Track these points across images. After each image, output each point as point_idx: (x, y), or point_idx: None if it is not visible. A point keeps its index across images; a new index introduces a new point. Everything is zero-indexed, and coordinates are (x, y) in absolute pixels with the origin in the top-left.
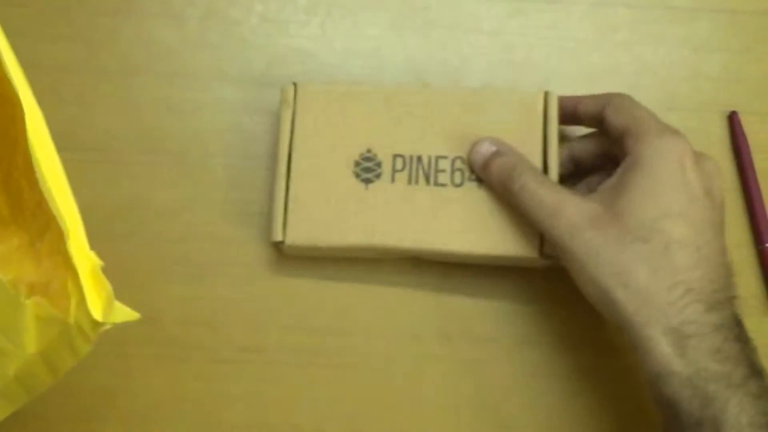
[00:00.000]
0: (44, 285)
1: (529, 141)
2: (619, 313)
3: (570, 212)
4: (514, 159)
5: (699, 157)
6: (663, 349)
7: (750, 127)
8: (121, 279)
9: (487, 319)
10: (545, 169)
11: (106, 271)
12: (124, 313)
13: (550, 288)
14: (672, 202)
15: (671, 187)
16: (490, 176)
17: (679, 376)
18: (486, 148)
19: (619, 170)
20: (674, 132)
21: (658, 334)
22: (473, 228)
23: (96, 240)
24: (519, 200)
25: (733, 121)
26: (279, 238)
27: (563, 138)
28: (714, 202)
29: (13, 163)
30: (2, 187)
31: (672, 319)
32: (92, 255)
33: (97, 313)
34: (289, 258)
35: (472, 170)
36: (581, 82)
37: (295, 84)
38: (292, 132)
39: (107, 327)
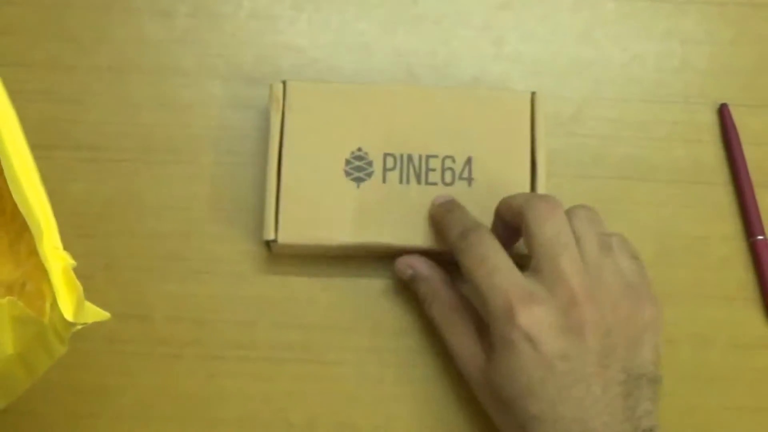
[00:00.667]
0: (21, 285)
1: (517, 140)
2: None
3: (465, 362)
4: (430, 287)
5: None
6: None
7: (740, 119)
8: (112, 276)
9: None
10: (533, 168)
11: (102, 268)
12: (95, 313)
13: None
14: (521, 381)
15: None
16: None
17: None
18: (403, 268)
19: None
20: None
21: None
22: None
23: (87, 237)
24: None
25: (723, 113)
26: (270, 237)
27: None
28: (564, 367)
29: None
30: None
31: None
32: (65, 255)
33: (68, 314)
34: (280, 255)
35: (462, 169)
36: (570, 76)
37: (284, 82)
38: (282, 131)
39: (78, 327)
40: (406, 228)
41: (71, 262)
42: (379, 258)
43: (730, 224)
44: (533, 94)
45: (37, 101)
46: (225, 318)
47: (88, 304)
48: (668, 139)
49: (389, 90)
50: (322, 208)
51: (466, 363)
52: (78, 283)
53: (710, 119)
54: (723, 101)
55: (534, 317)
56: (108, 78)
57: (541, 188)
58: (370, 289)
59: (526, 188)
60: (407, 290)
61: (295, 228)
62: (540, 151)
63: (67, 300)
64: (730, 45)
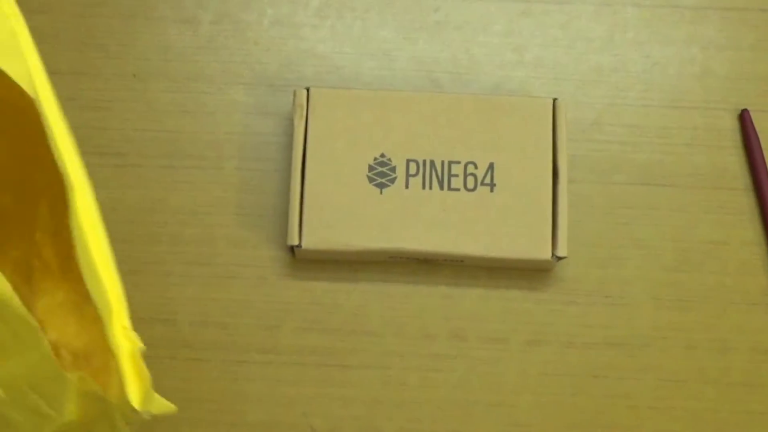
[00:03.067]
0: (87, 355)
1: (539, 147)
2: None
3: None
4: None
5: None
6: None
7: (761, 125)
8: (137, 281)
9: (499, 319)
10: (555, 174)
11: (128, 273)
12: (162, 405)
13: (560, 287)
14: None
15: None
16: None
17: None
18: None
19: None
20: None
21: None
22: (486, 231)
23: (112, 243)
24: None
25: (744, 118)
26: (295, 242)
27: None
28: None
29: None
30: (52, 238)
31: None
32: (134, 337)
33: (135, 401)
34: (303, 260)
35: (484, 175)
36: (591, 82)
37: (307, 89)
38: (305, 137)
39: (144, 417)
40: (429, 233)
41: (141, 346)
42: (403, 263)
43: (751, 230)
44: (555, 100)
45: (62, 108)
46: (249, 322)
47: (155, 395)
48: (689, 144)
49: (412, 97)
50: (346, 214)
51: None
52: (146, 370)
53: (731, 125)
54: (744, 107)
55: None
56: (133, 85)
57: (562, 193)
58: (394, 294)
59: (548, 193)
60: (431, 295)
61: (319, 233)
62: (562, 157)
63: (135, 386)
64: (751, 50)
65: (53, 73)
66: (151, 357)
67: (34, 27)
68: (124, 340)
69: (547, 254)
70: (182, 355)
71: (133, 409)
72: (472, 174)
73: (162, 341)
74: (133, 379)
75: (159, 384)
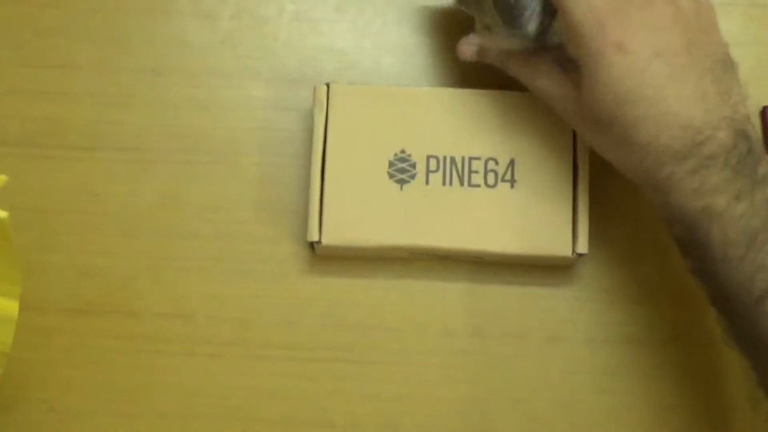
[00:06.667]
0: None
1: (559, 142)
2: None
3: (558, 97)
4: (501, 50)
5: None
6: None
7: None
8: (156, 276)
9: (518, 315)
10: (575, 170)
11: (146, 268)
12: None
13: (580, 284)
14: (620, 89)
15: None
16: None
17: (678, 221)
18: (465, 48)
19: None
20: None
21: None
22: (506, 228)
23: (131, 238)
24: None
25: (765, 115)
26: (315, 238)
27: None
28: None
29: None
30: None
31: (653, 182)
32: None
33: None
34: (323, 256)
35: (505, 171)
36: None
37: (327, 84)
38: (325, 133)
39: None
40: (449, 229)
41: None
42: (422, 259)
43: None
44: None
45: (81, 103)
46: (267, 318)
47: None
48: None
49: (432, 92)
50: (366, 210)
51: (559, 98)
52: None
53: (753, 121)
54: (765, 104)
55: (621, 26)
56: (152, 80)
57: (583, 190)
58: (414, 290)
59: (569, 190)
60: (451, 292)
61: (339, 229)
62: (582, 154)
63: None
64: None
65: (72, 67)
66: (169, 352)
67: (53, 22)
68: None
69: (567, 251)
70: (200, 350)
71: None
72: (492, 170)
73: (180, 337)
74: None
75: (177, 379)
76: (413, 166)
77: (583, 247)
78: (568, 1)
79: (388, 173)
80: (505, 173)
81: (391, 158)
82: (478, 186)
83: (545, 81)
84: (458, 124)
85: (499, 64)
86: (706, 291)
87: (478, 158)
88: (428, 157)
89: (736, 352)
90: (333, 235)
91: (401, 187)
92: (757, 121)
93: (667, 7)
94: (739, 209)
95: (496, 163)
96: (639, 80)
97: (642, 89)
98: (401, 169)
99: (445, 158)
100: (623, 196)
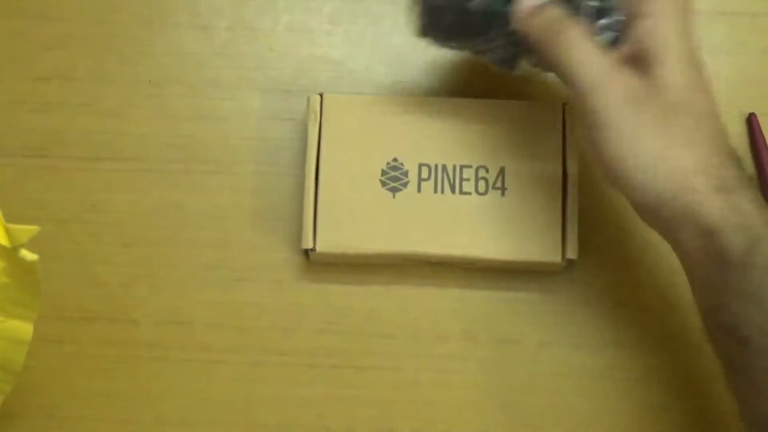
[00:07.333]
0: None
1: (549, 151)
2: (657, 187)
3: (615, 88)
4: (562, 12)
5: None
6: (713, 204)
7: None
8: (154, 284)
9: (510, 321)
10: (565, 178)
11: (145, 276)
12: (27, 231)
13: (570, 289)
14: (692, 75)
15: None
16: (532, 28)
17: (732, 225)
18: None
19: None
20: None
21: (706, 193)
22: (497, 235)
23: (130, 246)
24: (560, 59)
25: (751, 122)
26: (309, 245)
27: None
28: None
29: None
30: None
31: (713, 179)
32: None
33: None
34: (318, 263)
35: (495, 179)
36: None
37: (321, 94)
38: (319, 142)
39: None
40: (441, 236)
41: None
42: (415, 266)
43: None
44: (564, 105)
45: (81, 113)
46: (264, 325)
47: (13, 225)
48: None
49: (423, 102)
50: (360, 217)
51: (615, 91)
52: None
53: (739, 129)
54: (751, 111)
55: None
56: (149, 91)
57: (572, 197)
58: (407, 297)
59: (558, 197)
60: (443, 298)
61: (333, 237)
62: (572, 161)
63: None
64: (758, 55)
65: (71, 78)
66: (167, 359)
67: (52, 34)
68: None
69: (557, 257)
70: (198, 357)
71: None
72: (483, 178)
73: (178, 343)
74: None
75: (175, 386)
76: (405, 174)
77: (572, 253)
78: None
79: (381, 181)
80: (495, 181)
81: (384, 166)
82: (469, 193)
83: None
84: (450, 132)
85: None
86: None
87: (469, 166)
88: (420, 165)
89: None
90: (327, 243)
91: (394, 195)
92: (742, 128)
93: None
94: None
95: (487, 171)
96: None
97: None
98: (394, 177)
99: (436, 166)
100: (612, 202)
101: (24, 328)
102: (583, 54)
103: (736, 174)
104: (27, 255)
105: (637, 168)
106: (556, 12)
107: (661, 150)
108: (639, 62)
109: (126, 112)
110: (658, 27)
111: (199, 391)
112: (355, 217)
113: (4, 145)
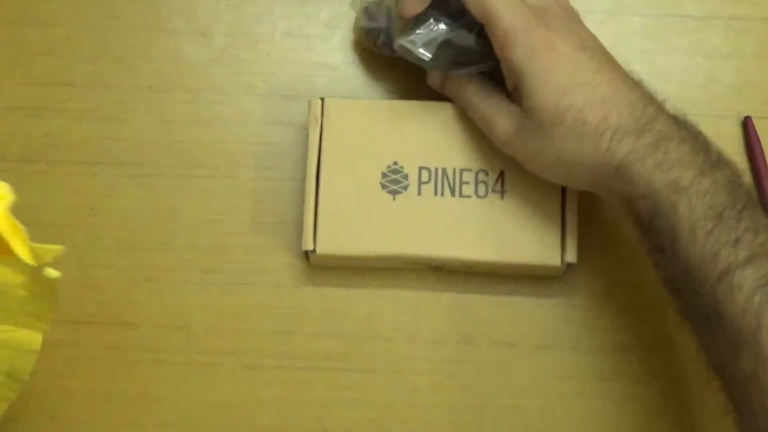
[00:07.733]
0: None
1: None
2: (579, 181)
3: (500, 124)
4: (460, 73)
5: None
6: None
7: (764, 132)
8: (153, 288)
9: (508, 324)
10: None
11: (144, 280)
12: (51, 250)
13: (569, 292)
14: (560, 79)
15: (550, 70)
16: (446, 90)
17: (642, 197)
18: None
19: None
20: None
21: (610, 177)
22: (497, 238)
23: (129, 251)
24: (470, 105)
25: (747, 126)
26: (310, 247)
27: None
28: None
29: None
30: None
31: (614, 162)
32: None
33: (28, 258)
34: (316, 267)
35: (495, 183)
36: None
37: (322, 99)
38: (320, 146)
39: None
40: (440, 239)
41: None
42: (414, 269)
43: None
44: None
45: (80, 119)
46: (263, 328)
47: (37, 245)
48: None
49: (424, 106)
50: (360, 220)
51: (501, 126)
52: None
53: (735, 132)
54: (747, 114)
55: (546, 29)
56: (148, 96)
57: (571, 200)
58: (406, 300)
59: (558, 200)
60: (442, 301)
61: (333, 239)
62: None
63: (19, 246)
64: (754, 59)
65: (70, 84)
66: (166, 362)
67: (51, 40)
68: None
69: (556, 260)
70: (197, 360)
71: (31, 267)
72: (483, 181)
73: (177, 347)
74: (15, 238)
75: (174, 389)
76: (405, 177)
77: (571, 256)
78: (495, 13)
79: (381, 184)
80: (495, 184)
81: (384, 170)
82: (469, 197)
83: (496, 103)
84: (450, 136)
85: (459, 86)
86: (664, 270)
87: (469, 170)
88: (420, 169)
89: (688, 330)
90: (327, 245)
91: (394, 198)
92: (738, 131)
93: (579, 24)
94: (705, 184)
95: (487, 174)
96: (573, 69)
97: (577, 76)
98: (394, 180)
99: (436, 170)
100: (611, 206)
101: (34, 338)
102: (475, 107)
103: (632, 146)
104: (51, 273)
105: (552, 176)
106: (454, 76)
107: (557, 159)
108: (518, 95)
109: (125, 118)
110: (514, 61)
111: (198, 394)
112: (355, 219)
113: (3, 151)
